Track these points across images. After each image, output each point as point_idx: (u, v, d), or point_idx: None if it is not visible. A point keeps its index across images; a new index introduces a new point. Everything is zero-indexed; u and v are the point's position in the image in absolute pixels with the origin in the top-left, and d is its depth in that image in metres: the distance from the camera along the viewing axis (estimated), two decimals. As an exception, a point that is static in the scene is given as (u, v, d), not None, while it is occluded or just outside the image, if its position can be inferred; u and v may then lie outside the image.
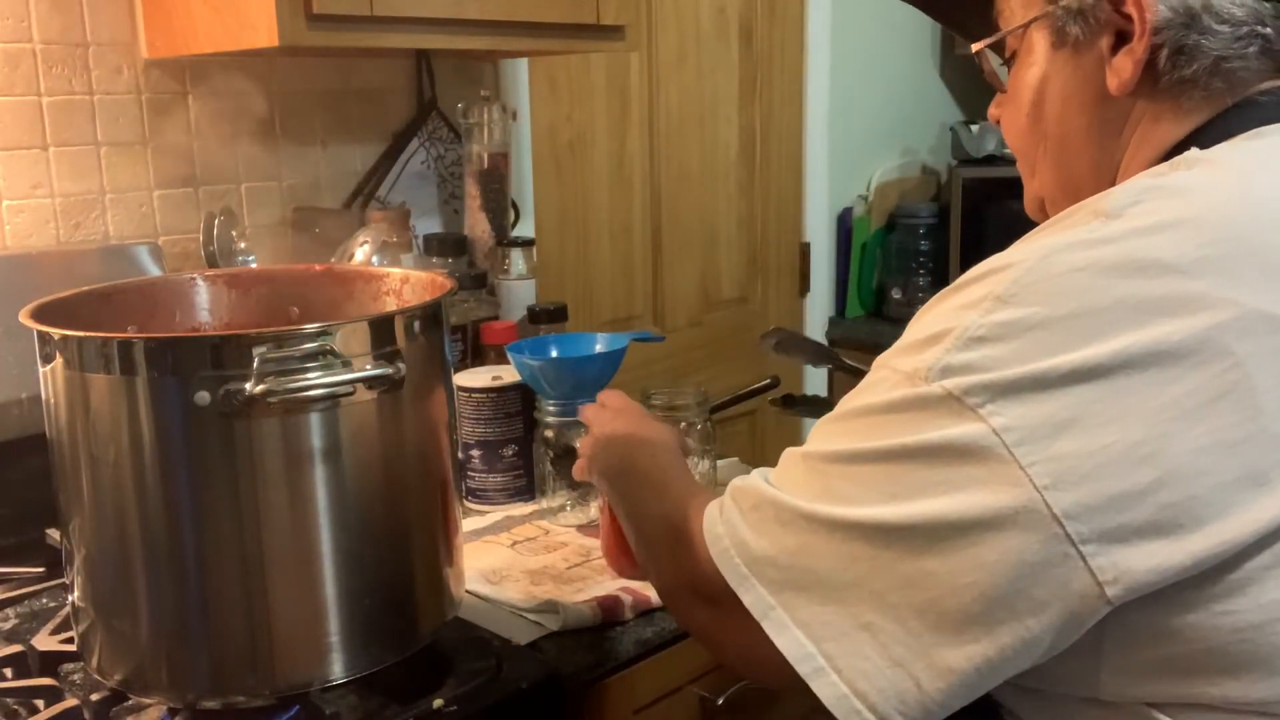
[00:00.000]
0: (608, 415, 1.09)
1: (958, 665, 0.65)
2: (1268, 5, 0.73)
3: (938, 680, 0.66)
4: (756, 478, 0.77)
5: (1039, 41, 0.80)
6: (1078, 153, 0.80)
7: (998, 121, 0.89)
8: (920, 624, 0.65)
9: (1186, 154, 0.72)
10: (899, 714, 0.66)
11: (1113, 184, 0.76)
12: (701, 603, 0.80)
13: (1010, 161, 2.67)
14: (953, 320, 0.66)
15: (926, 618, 0.65)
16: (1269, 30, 0.73)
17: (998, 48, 0.85)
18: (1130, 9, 0.73)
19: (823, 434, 0.74)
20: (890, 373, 0.69)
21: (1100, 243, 0.65)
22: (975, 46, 0.86)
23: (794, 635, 0.70)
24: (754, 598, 0.72)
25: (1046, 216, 0.84)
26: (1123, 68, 0.75)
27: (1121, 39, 0.75)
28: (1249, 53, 0.73)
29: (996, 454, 0.63)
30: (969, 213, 2.50)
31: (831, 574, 0.68)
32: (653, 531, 0.90)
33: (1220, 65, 0.73)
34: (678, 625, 0.88)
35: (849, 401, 0.72)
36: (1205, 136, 0.74)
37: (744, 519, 0.75)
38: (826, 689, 0.68)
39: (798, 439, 2.67)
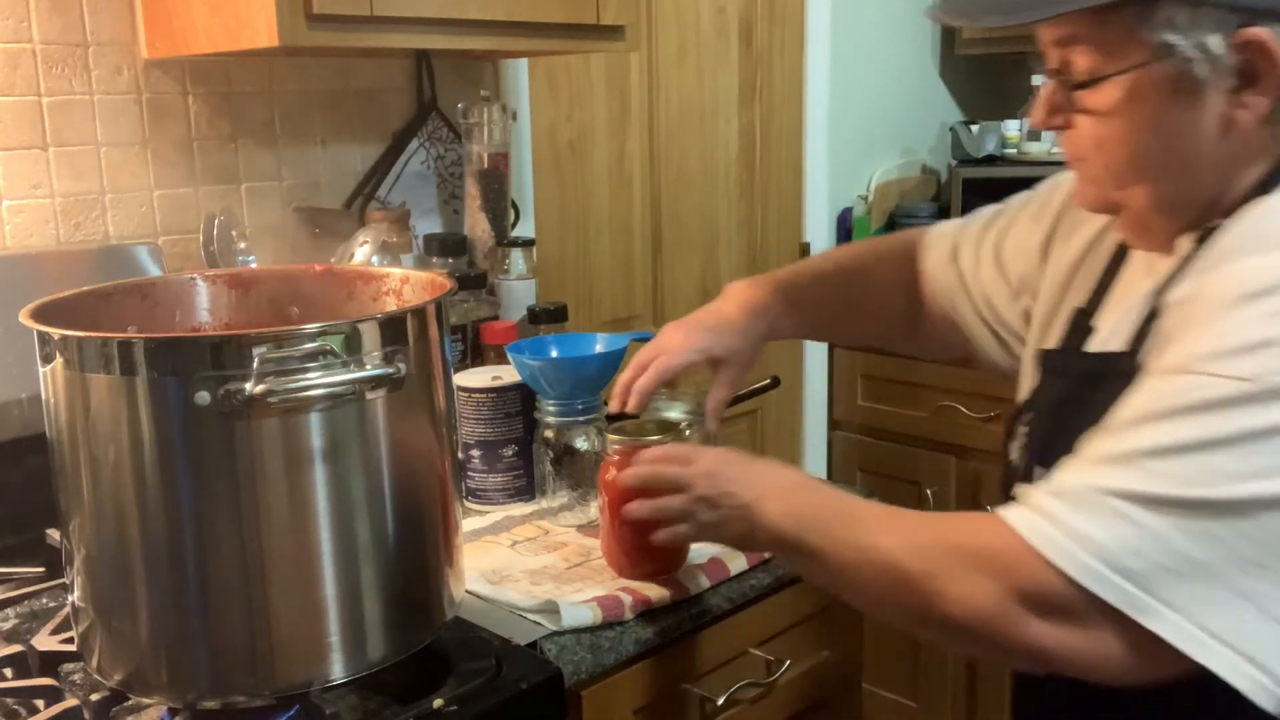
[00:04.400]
0: (711, 472, 1.01)
1: None
2: None
3: None
4: (1075, 479, 0.81)
5: (1156, 79, 0.83)
6: (1196, 179, 0.87)
7: (1076, 155, 0.93)
8: None
9: None
10: None
11: (1221, 198, 0.86)
12: (1039, 617, 0.80)
13: (1009, 162, 2.69)
14: (1271, 329, 0.75)
15: None
16: None
17: (1067, 73, 0.88)
18: (1260, 60, 0.81)
19: (1142, 433, 0.79)
20: (1214, 377, 0.76)
21: None
22: (1082, 79, 0.88)
23: (1173, 620, 0.75)
24: (1117, 592, 0.76)
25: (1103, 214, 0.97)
26: (1256, 107, 0.82)
27: (1244, 78, 0.82)
28: None
29: None
30: (969, 212, 2.50)
31: (1199, 552, 0.75)
32: (917, 568, 0.85)
33: None
34: (986, 654, 0.85)
35: (1162, 403, 0.78)
36: None
37: (1085, 518, 0.78)
38: (1220, 663, 0.74)
39: (798, 439, 2.67)
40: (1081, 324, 1.02)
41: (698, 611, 1.16)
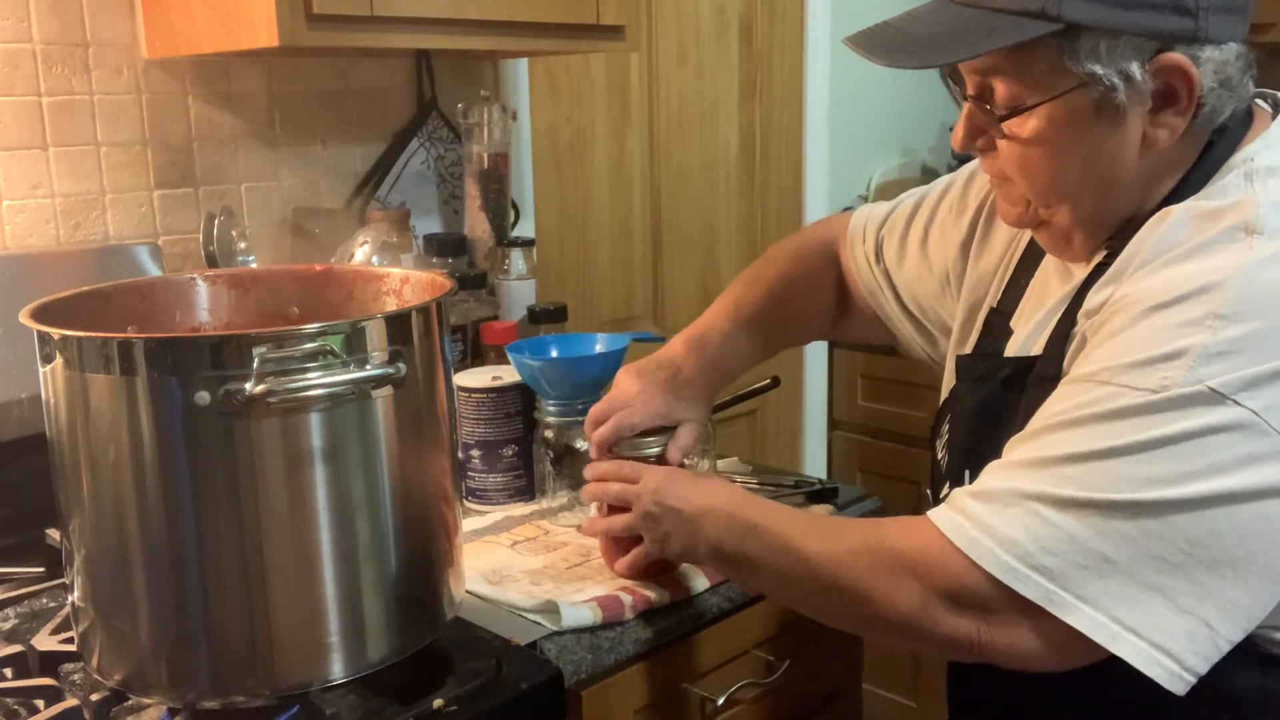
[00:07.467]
0: (656, 490, 1.06)
1: (1241, 601, 0.78)
2: (1245, 49, 0.86)
3: (1224, 616, 0.78)
4: (996, 483, 0.84)
5: (1078, 107, 0.85)
6: (1117, 197, 0.89)
7: (999, 176, 0.95)
8: (1207, 574, 0.77)
9: (1254, 165, 0.84)
10: (1192, 654, 0.78)
11: (1139, 213, 0.89)
12: (960, 613, 0.85)
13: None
14: (1179, 339, 0.78)
15: (1214, 568, 0.77)
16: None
17: (988, 99, 0.90)
18: (1178, 82, 0.84)
19: (1058, 440, 0.82)
20: (1124, 388, 0.79)
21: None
22: (1004, 111, 0.89)
23: (1084, 611, 0.79)
24: (1034, 588, 0.80)
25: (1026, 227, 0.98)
26: (1174, 126, 0.86)
27: (1161, 100, 0.84)
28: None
29: (1262, 430, 0.76)
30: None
31: (1110, 550, 0.79)
32: (847, 574, 0.90)
33: (1237, 108, 0.87)
34: (919, 649, 0.91)
35: (1076, 413, 0.81)
36: (1214, 151, 0.88)
37: (1005, 520, 0.82)
38: (1127, 648, 0.78)
39: (798, 439, 2.67)
40: (999, 325, 1.04)
41: (698, 611, 1.16)
